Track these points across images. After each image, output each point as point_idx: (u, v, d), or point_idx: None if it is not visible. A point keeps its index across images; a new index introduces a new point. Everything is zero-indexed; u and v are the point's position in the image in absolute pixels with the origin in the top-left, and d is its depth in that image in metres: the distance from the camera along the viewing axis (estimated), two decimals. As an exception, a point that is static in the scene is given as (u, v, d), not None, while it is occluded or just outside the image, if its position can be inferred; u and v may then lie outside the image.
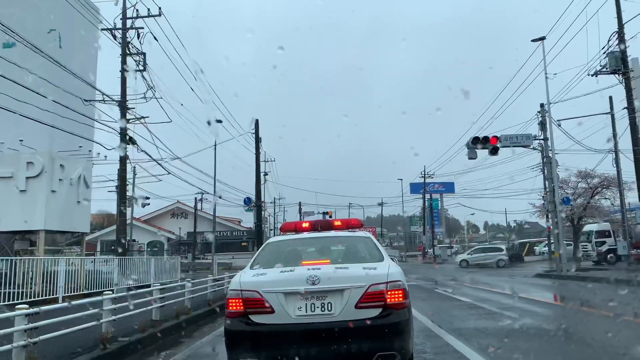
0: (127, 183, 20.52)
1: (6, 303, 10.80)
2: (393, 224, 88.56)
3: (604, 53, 21.74)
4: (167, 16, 18.74)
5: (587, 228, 30.89)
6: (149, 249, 41.92)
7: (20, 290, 11.81)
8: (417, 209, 64.93)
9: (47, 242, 15.46)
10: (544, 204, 27.38)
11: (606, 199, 33.13)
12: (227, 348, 4.60)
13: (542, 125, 22.99)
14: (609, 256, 27.98)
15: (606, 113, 24.73)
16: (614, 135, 24.42)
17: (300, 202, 67.11)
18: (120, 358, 6.85)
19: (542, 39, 21.82)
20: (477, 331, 7.74)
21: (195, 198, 48.58)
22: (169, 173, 21.18)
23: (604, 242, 28.68)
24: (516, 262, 36.88)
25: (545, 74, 21.87)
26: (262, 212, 35.82)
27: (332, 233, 5.94)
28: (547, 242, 33.20)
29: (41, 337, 5.61)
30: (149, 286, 13.04)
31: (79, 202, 16.53)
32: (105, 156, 17.76)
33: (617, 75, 21.56)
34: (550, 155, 22.79)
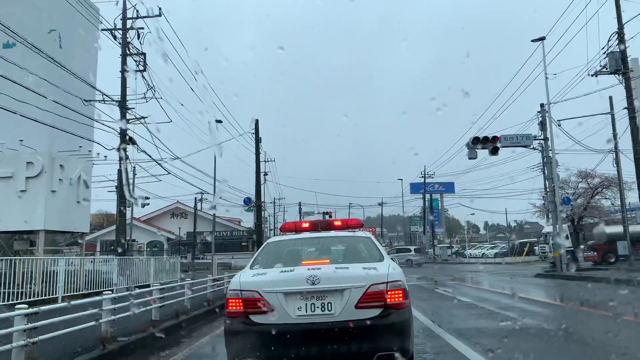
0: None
1: (6, 303, 10.80)
2: (393, 224, 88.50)
3: (604, 53, 21.73)
4: (167, 16, 18.70)
5: (545, 230, 30.55)
6: (148, 249, 41.95)
7: (20, 290, 11.81)
8: (417, 209, 65.02)
9: (46, 242, 15.45)
10: (544, 204, 27.38)
11: (607, 199, 33.13)
12: (226, 348, 4.59)
13: (542, 125, 22.99)
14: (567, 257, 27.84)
15: (606, 113, 24.68)
16: (614, 136, 24.35)
17: (300, 202, 67.19)
18: (120, 358, 6.85)
19: (542, 39, 21.84)
20: (477, 331, 7.73)
21: (195, 198, 48.60)
22: (169, 173, 21.15)
23: None
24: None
25: (545, 74, 21.90)
26: (262, 212, 35.81)
27: (332, 233, 5.93)
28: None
29: (41, 337, 5.60)
30: (148, 286, 13.06)
31: (78, 202, 16.54)
32: (105, 156, 17.73)
33: (617, 75, 21.52)
34: (550, 155, 22.78)
